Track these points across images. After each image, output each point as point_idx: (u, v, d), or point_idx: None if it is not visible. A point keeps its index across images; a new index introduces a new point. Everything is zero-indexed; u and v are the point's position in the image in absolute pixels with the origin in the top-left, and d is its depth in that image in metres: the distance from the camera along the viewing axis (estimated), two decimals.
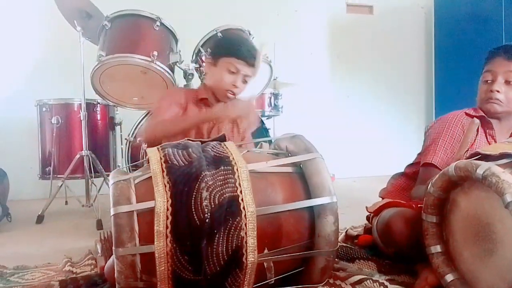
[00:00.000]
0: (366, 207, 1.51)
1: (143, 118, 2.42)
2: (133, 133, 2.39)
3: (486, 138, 1.43)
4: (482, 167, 0.88)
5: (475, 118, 1.38)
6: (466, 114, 1.45)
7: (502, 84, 1.37)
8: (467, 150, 1.35)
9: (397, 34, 4.51)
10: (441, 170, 1.36)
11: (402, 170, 1.64)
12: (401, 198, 1.47)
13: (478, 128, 1.41)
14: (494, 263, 0.91)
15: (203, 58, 2.06)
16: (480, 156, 1.00)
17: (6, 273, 1.40)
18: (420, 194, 1.36)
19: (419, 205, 1.24)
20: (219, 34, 2.37)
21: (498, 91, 1.37)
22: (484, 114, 1.42)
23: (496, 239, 0.90)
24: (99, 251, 1.47)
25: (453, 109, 1.52)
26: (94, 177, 2.52)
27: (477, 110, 1.45)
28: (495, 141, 1.43)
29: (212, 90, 1.62)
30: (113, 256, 0.90)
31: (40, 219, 2.33)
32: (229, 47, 1.58)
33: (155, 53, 2.03)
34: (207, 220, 0.89)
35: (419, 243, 1.11)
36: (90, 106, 2.60)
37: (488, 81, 1.40)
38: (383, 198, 1.54)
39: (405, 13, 4.53)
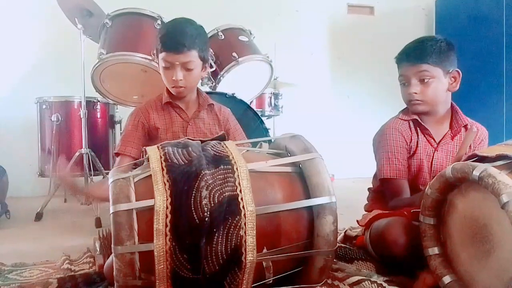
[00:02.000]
0: (357, 221, 1.51)
1: None
2: None
3: (425, 138, 1.47)
4: (479, 168, 0.88)
5: (473, 127, 1.37)
6: (401, 119, 1.50)
7: (417, 84, 1.40)
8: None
9: (398, 35, 4.49)
10: (402, 178, 1.41)
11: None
12: (382, 210, 1.45)
13: (416, 129, 1.47)
14: (491, 264, 0.91)
15: None
16: (477, 158, 1.01)
17: (4, 270, 1.40)
18: (399, 205, 1.37)
19: (412, 210, 1.24)
20: (220, 34, 2.38)
21: (415, 93, 1.41)
22: (416, 117, 1.46)
23: (493, 240, 0.91)
24: (98, 249, 1.47)
25: None
26: (94, 175, 2.52)
27: (408, 113, 1.49)
28: (433, 138, 1.46)
29: (168, 92, 1.59)
30: (112, 254, 0.90)
31: (39, 216, 2.33)
32: (158, 44, 1.51)
33: (155, 51, 2.04)
34: (206, 219, 0.89)
35: (417, 251, 1.10)
36: (90, 104, 2.61)
37: (405, 84, 1.45)
38: (369, 211, 1.53)
39: (406, 14, 4.53)
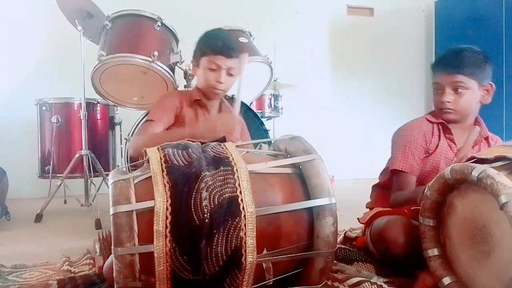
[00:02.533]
0: (358, 219, 1.52)
1: (142, 118, 2.42)
2: (132, 133, 2.39)
3: (447, 142, 1.48)
4: (477, 169, 0.88)
5: (476, 127, 1.39)
6: (427, 120, 1.50)
7: (451, 93, 1.41)
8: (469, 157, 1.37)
9: (398, 36, 4.53)
10: (412, 174, 1.42)
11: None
12: (384, 207, 1.46)
13: (440, 133, 1.48)
14: (490, 266, 0.91)
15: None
16: (476, 160, 1.01)
17: (4, 272, 1.40)
18: (399, 200, 1.39)
19: (412, 208, 1.24)
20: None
21: (448, 102, 1.41)
22: (443, 120, 1.47)
23: (492, 241, 0.91)
24: (98, 251, 1.47)
25: None
26: (93, 177, 2.52)
27: (437, 116, 1.50)
28: (455, 144, 1.47)
29: (202, 91, 1.65)
30: (112, 256, 0.90)
31: (38, 218, 2.33)
32: (205, 46, 1.60)
33: (156, 53, 2.04)
34: (206, 220, 0.89)
35: (415, 250, 1.11)
36: (90, 106, 2.60)
37: (439, 92, 1.45)
38: (371, 209, 1.54)
39: (406, 16, 4.54)
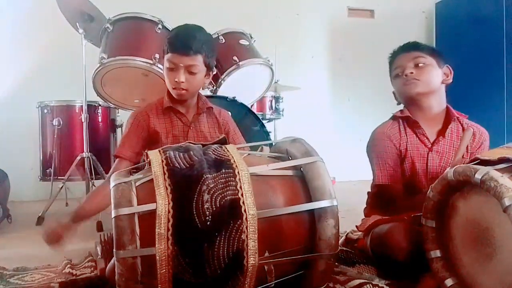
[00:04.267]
0: (356, 226, 1.51)
1: None
2: None
3: (418, 137, 1.46)
4: (481, 171, 0.88)
5: (470, 127, 1.39)
6: (392, 120, 1.52)
7: (412, 68, 1.44)
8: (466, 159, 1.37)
9: (398, 38, 4.46)
10: (395, 184, 1.41)
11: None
12: (381, 215, 1.44)
13: (405, 129, 1.47)
14: (493, 268, 0.91)
15: None
16: (479, 161, 1.01)
17: (6, 275, 1.41)
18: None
19: (412, 215, 1.24)
20: (220, 37, 2.38)
21: (411, 73, 1.43)
22: (409, 114, 1.47)
23: (495, 243, 0.91)
24: (99, 253, 1.47)
25: None
26: (95, 179, 2.52)
27: (403, 111, 1.51)
28: (428, 139, 1.45)
29: (168, 94, 1.58)
30: (114, 259, 0.90)
31: (40, 220, 2.33)
32: (166, 45, 1.52)
33: (157, 55, 2.04)
34: (208, 223, 0.89)
35: (419, 255, 1.10)
36: (92, 108, 2.61)
37: (399, 74, 1.47)
38: (367, 215, 1.53)
39: (406, 17, 4.53)
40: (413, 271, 1.18)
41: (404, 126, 1.48)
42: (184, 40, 1.48)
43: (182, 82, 1.48)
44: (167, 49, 1.50)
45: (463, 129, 1.45)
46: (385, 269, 1.31)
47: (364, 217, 1.56)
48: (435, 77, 1.44)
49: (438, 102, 1.47)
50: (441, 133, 1.45)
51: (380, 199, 1.50)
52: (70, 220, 1.31)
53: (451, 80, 1.48)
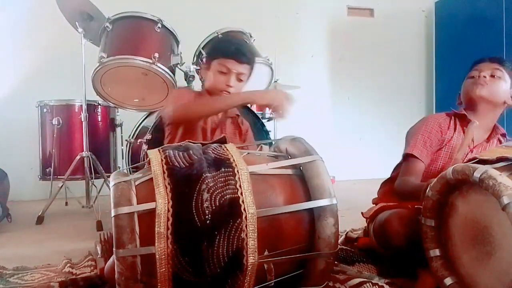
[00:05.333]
0: (362, 213, 1.52)
1: (143, 120, 2.43)
2: (133, 135, 2.40)
3: (463, 135, 1.48)
4: (479, 170, 0.88)
5: (474, 121, 1.44)
6: (447, 114, 1.55)
7: (488, 75, 1.48)
8: (466, 154, 1.40)
9: (398, 37, 4.52)
10: (421, 160, 1.44)
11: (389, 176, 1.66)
12: (393, 202, 1.48)
13: (456, 126, 1.51)
14: (492, 266, 0.91)
15: (201, 62, 2.07)
16: (478, 161, 1.01)
17: (6, 274, 1.41)
18: (404, 185, 1.42)
19: (415, 206, 1.25)
20: (220, 36, 2.38)
21: (484, 76, 1.47)
22: (465, 112, 1.50)
23: (494, 242, 0.91)
24: (99, 252, 1.47)
25: None
26: (95, 178, 2.52)
27: (460, 110, 1.53)
28: (472, 140, 1.49)
29: (211, 94, 1.65)
30: (113, 257, 0.90)
31: (40, 220, 2.33)
32: (218, 49, 1.63)
33: (156, 55, 2.04)
34: (207, 222, 0.89)
35: (417, 243, 1.11)
36: (91, 107, 2.61)
37: (474, 76, 1.50)
38: (376, 204, 1.55)
39: (406, 16, 4.54)
40: (412, 259, 1.19)
41: (455, 122, 1.52)
42: (243, 49, 1.61)
43: (232, 87, 1.58)
44: (220, 54, 1.59)
45: (504, 136, 1.53)
46: (386, 256, 1.33)
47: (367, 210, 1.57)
48: (503, 92, 1.48)
49: (492, 116, 1.52)
50: (486, 140, 1.51)
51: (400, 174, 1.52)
52: None
53: None
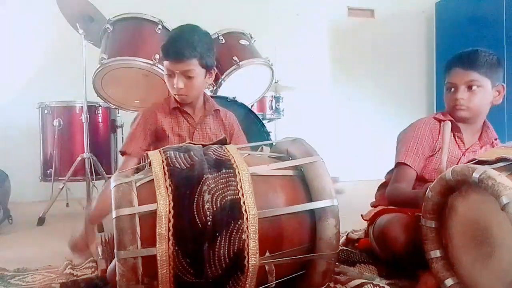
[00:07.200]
0: (362, 215, 1.52)
1: None
2: None
3: (455, 140, 1.48)
4: (478, 170, 0.88)
5: (447, 121, 1.44)
6: (435, 118, 1.52)
7: (465, 91, 1.42)
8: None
9: (398, 38, 4.52)
10: (413, 169, 1.43)
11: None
12: (388, 206, 1.47)
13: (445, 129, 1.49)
14: (492, 267, 0.91)
15: None
16: (477, 161, 1.01)
17: (7, 276, 1.41)
18: (396, 193, 1.41)
19: (416, 214, 1.25)
20: (220, 38, 2.39)
21: (462, 99, 1.42)
22: (452, 118, 1.48)
23: (494, 242, 0.91)
24: (100, 254, 1.47)
25: None
26: (95, 179, 2.52)
27: (445, 114, 1.51)
28: (463, 143, 1.48)
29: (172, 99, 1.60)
30: (115, 259, 0.90)
31: (41, 221, 2.34)
32: (161, 52, 1.52)
33: (157, 56, 2.05)
34: (209, 223, 0.90)
35: (416, 248, 1.11)
36: (92, 109, 2.61)
37: (452, 90, 1.46)
38: (375, 207, 1.55)
39: (406, 17, 4.54)
40: (412, 263, 1.19)
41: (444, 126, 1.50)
42: (176, 47, 1.48)
43: (181, 88, 1.50)
44: (162, 56, 1.52)
45: (495, 139, 1.52)
46: (386, 260, 1.33)
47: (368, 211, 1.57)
48: (485, 100, 1.44)
49: (481, 118, 1.50)
50: (475, 143, 1.50)
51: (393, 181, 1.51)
52: (87, 226, 1.33)
53: (500, 101, 1.48)
